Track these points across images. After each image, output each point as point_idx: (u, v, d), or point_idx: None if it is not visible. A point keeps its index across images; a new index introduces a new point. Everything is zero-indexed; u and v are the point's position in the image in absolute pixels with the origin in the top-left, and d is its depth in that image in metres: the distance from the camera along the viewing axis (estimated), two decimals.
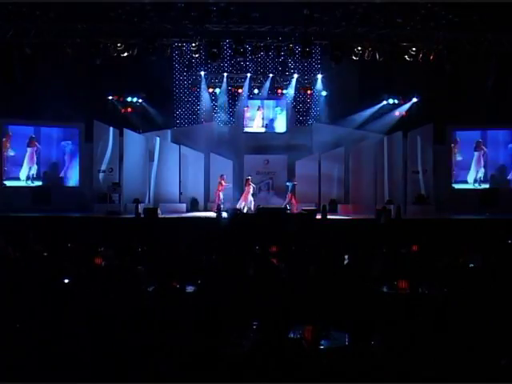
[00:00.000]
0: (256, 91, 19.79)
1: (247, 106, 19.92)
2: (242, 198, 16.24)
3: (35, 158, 17.65)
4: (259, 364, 3.59)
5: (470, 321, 4.29)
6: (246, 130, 19.84)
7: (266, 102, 20.00)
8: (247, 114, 19.92)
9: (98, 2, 13.66)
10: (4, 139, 17.08)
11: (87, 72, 17.34)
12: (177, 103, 20.03)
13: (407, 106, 19.13)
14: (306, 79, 19.81)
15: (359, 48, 16.31)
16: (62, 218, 13.94)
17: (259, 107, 19.98)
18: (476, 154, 17.97)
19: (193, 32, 16.18)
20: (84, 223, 13.50)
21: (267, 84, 19.49)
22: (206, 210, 17.74)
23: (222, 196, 16.14)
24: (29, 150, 17.53)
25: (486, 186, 17.70)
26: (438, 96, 17.51)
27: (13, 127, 17.50)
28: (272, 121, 20.04)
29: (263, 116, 19.98)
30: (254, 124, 19.95)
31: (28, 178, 17.46)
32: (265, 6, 14.43)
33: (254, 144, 19.31)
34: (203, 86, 19.69)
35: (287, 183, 16.97)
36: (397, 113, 19.23)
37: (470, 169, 18.05)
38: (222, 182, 16.30)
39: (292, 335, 4.24)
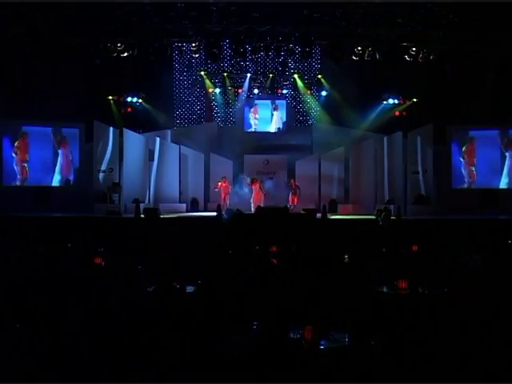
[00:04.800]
0: (256, 91, 19.82)
1: (254, 106, 19.94)
2: (254, 198, 16.11)
3: (70, 164, 17.39)
4: (259, 364, 3.59)
5: (470, 321, 4.29)
6: (271, 129, 20.02)
7: (278, 101, 20.07)
8: (255, 115, 19.95)
9: (97, 2, 13.67)
10: (17, 142, 16.89)
11: (87, 72, 17.34)
12: (177, 103, 20.05)
13: (407, 106, 19.17)
14: (306, 79, 19.83)
15: (359, 48, 16.33)
16: (62, 218, 13.94)
17: (275, 107, 20.00)
18: (508, 154, 17.20)
19: (193, 32, 16.19)
20: (84, 223, 13.49)
21: (269, 83, 19.58)
22: (206, 210, 17.74)
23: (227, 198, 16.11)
24: (60, 152, 17.29)
25: None
26: (438, 96, 17.51)
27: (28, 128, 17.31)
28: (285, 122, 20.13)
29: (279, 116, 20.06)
30: (272, 125, 20.00)
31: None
32: (265, 6, 14.44)
33: (254, 144, 19.32)
34: (203, 86, 19.72)
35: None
36: (396, 112, 19.26)
37: (501, 173, 17.31)
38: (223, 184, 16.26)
39: (292, 335, 4.25)
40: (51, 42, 15.62)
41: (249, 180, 16.31)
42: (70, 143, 17.61)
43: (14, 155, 16.80)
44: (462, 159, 17.47)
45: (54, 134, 17.42)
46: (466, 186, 17.54)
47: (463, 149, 17.52)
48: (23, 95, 16.91)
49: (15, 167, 16.90)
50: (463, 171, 17.61)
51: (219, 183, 16.30)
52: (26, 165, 17.02)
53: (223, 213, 14.36)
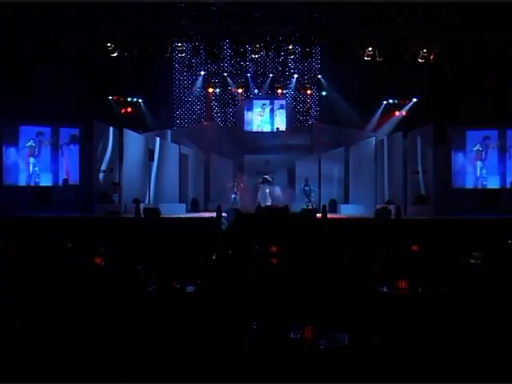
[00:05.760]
0: (256, 91, 19.84)
1: (258, 106, 19.97)
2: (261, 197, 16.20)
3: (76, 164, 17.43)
4: (259, 364, 3.59)
5: (470, 321, 4.29)
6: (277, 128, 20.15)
7: (278, 101, 20.13)
8: (259, 116, 20.00)
9: (97, 2, 13.67)
10: (29, 143, 16.90)
11: (87, 72, 17.34)
12: (177, 103, 20.05)
13: (407, 106, 19.17)
14: (306, 79, 19.83)
15: (359, 48, 16.34)
16: (62, 218, 13.94)
17: (281, 106, 20.03)
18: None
19: (193, 32, 16.20)
20: (84, 223, 13.49)
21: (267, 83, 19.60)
22: (206, 210, 17.73)
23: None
24: (66, 153, 17.33)
25: None
26: (438, 96, 17.51)
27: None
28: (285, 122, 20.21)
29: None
30: (277, 123, 20.04)
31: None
32: (265, 6, 14.45)
33: (254, 144, 19.32)
34: (203, 86, 19.72)
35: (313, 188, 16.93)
36: (397, 113, 19.26)
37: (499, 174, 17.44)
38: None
39: (292, 335, 4.25)
40: (51, 42, 15.61)
41: (232, 184, 16.50)
42: (71, 143, 17.66)
43: (26, 156, 16.83)
44: (475, 160, 17.42)
45: (60, 134, 17.48)
46: (472, 186, 17.50)
47: (475, 148, 17.47)
48: (23, 95, 16.90)
49: (25, 168, 16.91)
50: (473, 171, 17.57)
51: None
52: (36, 166, 17.08)
53: (223, 213, 14.34)
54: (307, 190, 16.69)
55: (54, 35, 15.46)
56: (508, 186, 17.33)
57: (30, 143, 16.80)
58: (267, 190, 16.30)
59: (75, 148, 17.56)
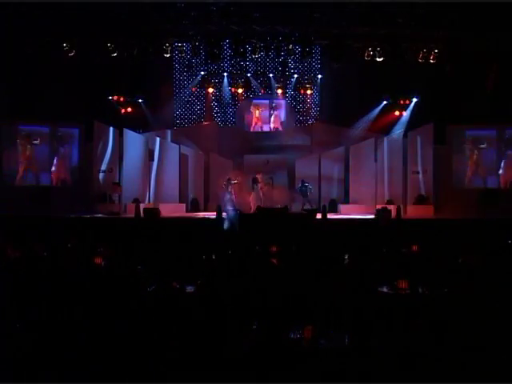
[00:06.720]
0: (256, 91, 19.84)
1: (257, 105, 19.95)
2: (253, 198, 16.08)
3: (67, 163, 17.34)
4: (259, 364, 3.59)
5: (469, 321, 4.29)
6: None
7: (277, 101, 20.10)
8: (258, 115, 19.98)
9: (98, 2, 13.68)
10: (23, 142, 16.89)
11: (87, 72, 17.32)
12: (177, 103, 20.05)
13: (409, 106, 19.14)
14: (306, 79, 19.82)
15: (359, 48, 16.35)
16: (62, 218, 13.94)
17: (274, 106, 20.03)
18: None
19: (193, 32, 16.20)
20: (84, 223, 13.49)
21: (272, 84, 19.60)
22: (206, 210, 17.72)
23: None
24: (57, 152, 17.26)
25: None
26: (438, 96, 17.51)
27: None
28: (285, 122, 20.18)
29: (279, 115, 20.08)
30: (272, 125, 20.03)
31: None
32: (265, 6, 14.46)
33: (254, 144, 19.30)
34: (203, 86, 19.72)
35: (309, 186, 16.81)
36: (397, 112, 19.25)
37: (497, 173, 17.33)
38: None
39: (292, 335, 4.25)
40: (51, 42, 15.61)
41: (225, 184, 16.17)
42: (70, 143, 17.59)
43: (19, 156, 16.81)
44: (469, 160, 17.41)
45: (52, 134, 17.41)
46: (474, 186, 17.45)
47: (469, 148, 17.45)
48: (23, 95, 16.88)
49: (19, 168, 16.87)
50: (469, 172, 17.51)
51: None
52: (30, 166, 17.03)
53: (223, 213, 14.34)
54: (304, 190, 16.61)
55: (54, 35, 15.45)
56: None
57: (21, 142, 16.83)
58: (260, 191, 16.24)
59: (69, 148, 17.49)
